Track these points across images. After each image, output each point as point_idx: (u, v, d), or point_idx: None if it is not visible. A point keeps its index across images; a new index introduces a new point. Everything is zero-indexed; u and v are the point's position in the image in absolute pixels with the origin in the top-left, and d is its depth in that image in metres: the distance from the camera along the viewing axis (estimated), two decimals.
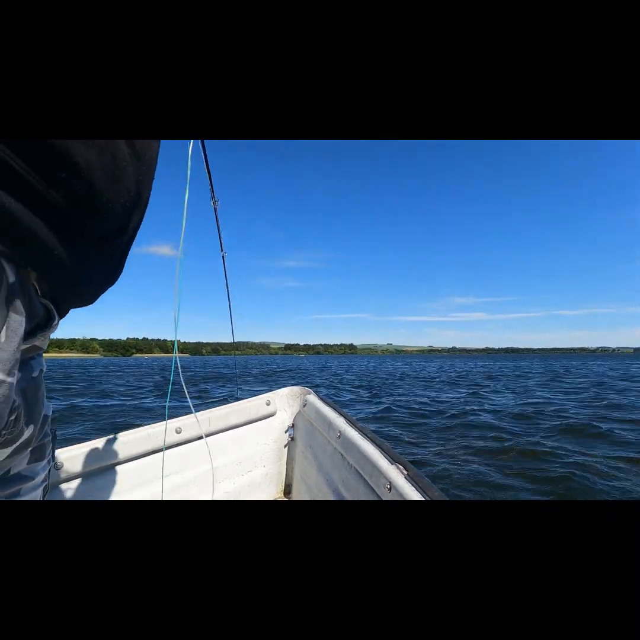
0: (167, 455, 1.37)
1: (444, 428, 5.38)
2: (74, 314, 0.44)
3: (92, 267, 0.39)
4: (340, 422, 1.26)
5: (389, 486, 0.83)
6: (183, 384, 1.11)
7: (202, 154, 1.00)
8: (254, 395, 1.73)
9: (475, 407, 7.08)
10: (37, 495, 0.41)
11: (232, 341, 1.89)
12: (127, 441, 1.29)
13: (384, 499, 0.85)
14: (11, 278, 0.29)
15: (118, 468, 1.27)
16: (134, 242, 0.44)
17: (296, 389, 1.77)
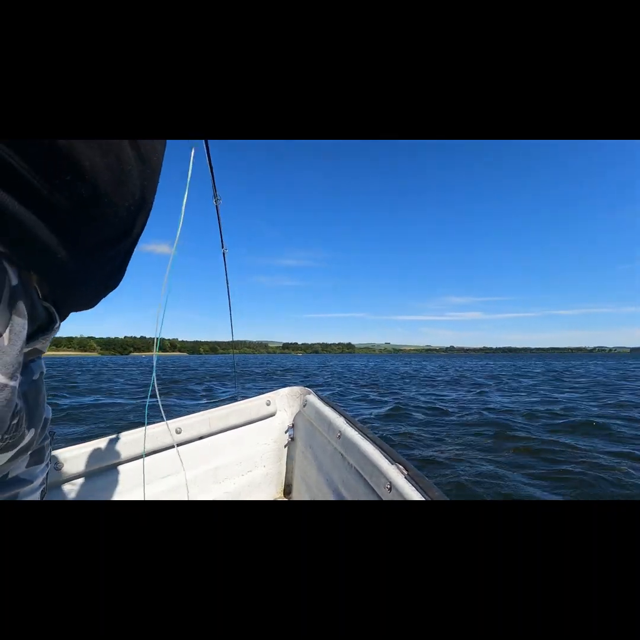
0: (167, 455, 1.37)
1: (462, 425, 5.33)
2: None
3: (95, 270, 0.39)
4: (340, 422, 1.26)
5: (389, 486, 0.83)
6: (155, 387, 0.98)
7: (205, 152, 1.00)
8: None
9: (504, 408, 6.96)
10: (35, 498, 0.41)
11: (230, 340, 1.88)
12: (127, 441, 1.29)
13: (384, 499, 0.85)
14: (14, 281, 0.29)
15: (118, 468, 1.27)
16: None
17: (296, 389, 1.77)
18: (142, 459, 1.31)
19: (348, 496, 1.09)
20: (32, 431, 0.37)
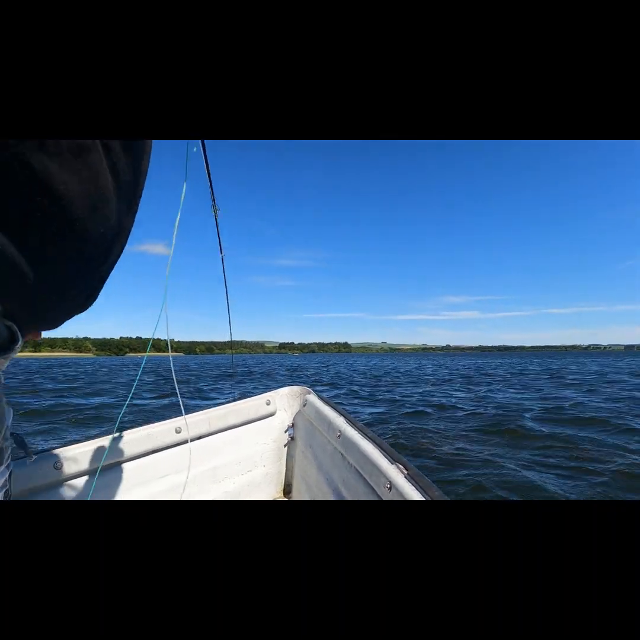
0: (167, 455, 1.36)
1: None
2: None
3: (63, 292, 0.37)
4: (340, 421, 1.26)
5: (389, 486, 0.83)
6: (176, 385, 1.12)
7: (203, 155, 0.99)
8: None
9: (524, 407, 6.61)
10: None
11: (228, 340, 1.88)
12: (127, 441, 1.28)
13: (384, 498, 0.85)
14: None
15: (118, 468, 1.27)
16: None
17: (296, 388, 1.77)
18: (143, 458, 1.31)
19: (348, 496, 1.09)
20: None
